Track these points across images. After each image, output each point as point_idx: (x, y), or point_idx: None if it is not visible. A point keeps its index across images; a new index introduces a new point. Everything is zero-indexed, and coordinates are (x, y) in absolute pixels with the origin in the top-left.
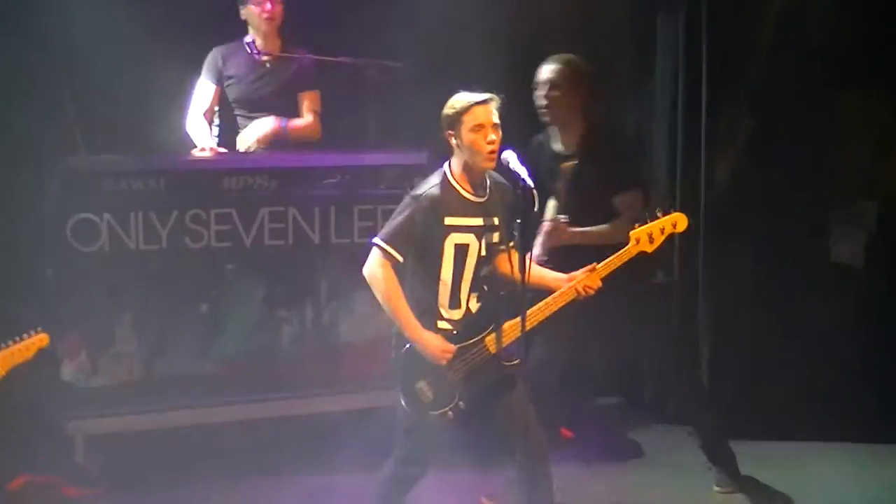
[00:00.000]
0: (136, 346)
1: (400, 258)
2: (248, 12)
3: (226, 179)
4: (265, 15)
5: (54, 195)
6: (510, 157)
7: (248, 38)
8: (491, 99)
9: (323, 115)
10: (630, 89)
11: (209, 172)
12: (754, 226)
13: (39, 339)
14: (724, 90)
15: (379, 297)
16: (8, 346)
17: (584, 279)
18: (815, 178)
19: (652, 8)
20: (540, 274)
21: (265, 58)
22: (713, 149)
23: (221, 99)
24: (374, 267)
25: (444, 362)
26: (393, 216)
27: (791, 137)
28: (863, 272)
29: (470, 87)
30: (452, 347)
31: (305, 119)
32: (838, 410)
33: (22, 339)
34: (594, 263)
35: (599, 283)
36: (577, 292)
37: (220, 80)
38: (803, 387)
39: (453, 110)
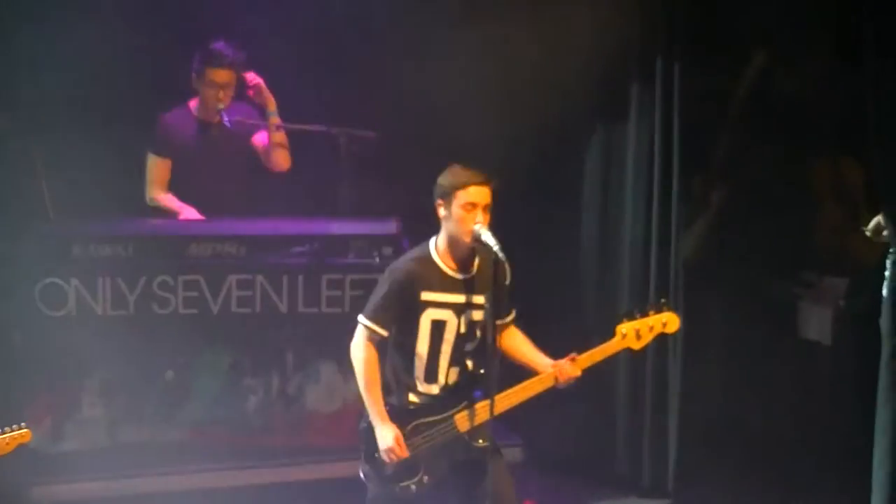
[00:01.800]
0: (103, 411)
1: (384, 333)
2: (200, 88)
3: (193, 246)
4: (218, 104)
5: (22, 259)
6: (482, 230)
7: (220, 109)
8: (489, 181)
9: (293, 183)
10: (601, 163)
11: (177, 238)
12: (725, 301)
13: (21, 435)
14: (695, 167)
15: (356, 374)
16: None
17: (567, 368)
18: (784, 253)
19: (624, 83)
20: (530, 355)
21: (228, 123)
22: (683, 224)
23: (175, 167)
24: (358, 345)
25: (388, 461)
26: (374, 291)
27: (760, 212)
28: (830, 348)
29: (460, 160)
30: (405, 453)
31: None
32: (795, 480)
33: (3, 432)
34: (574, 353)
35: (579, 373)
36: (557, 380)
37: (170, 150)
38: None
39: (449, 183)
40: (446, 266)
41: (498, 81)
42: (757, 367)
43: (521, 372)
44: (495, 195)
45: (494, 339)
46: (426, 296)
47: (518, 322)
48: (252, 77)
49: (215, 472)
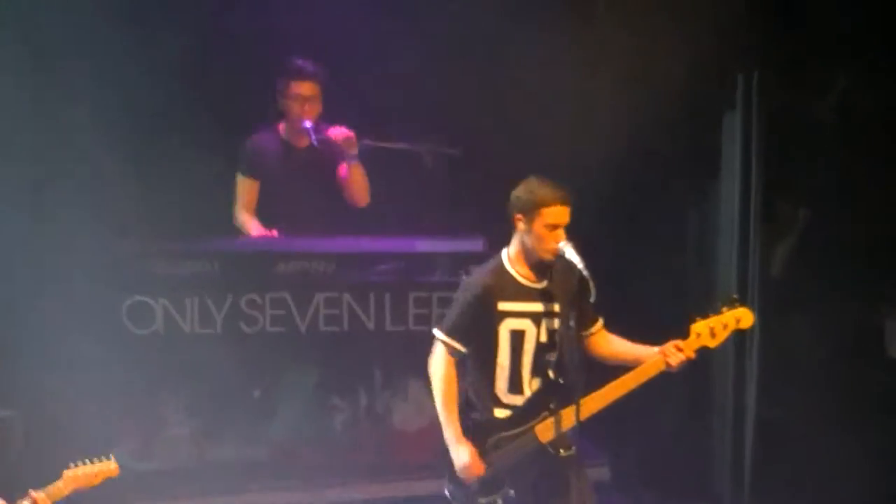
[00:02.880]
0: (189, 430)
1: (462, 349)
2: (285, 105)
3: (281, 264)
4: (304, 116)
5: (109, 277)
6: (566, 247)
7: (306, 124)
8: (570, 201)
9: (380, 200)
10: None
11: (264, 256)
12: (810, 320)
13: (110, 469)
14: (782, 187)
15: (434, 392)
16: (77, 466)
17: (675, 351)
18: (869, 272)
19: (707, 103)
20: (633, 351)
21: (315, 141)
22: (770, 244)
23: (263, 190)
24: (437, 363)
25: (466, 480)
26: (451, 306)
27: (845, 231)
28: None
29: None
30: (481, 469)
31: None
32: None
33: (93, 462)
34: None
35: (693, 355)
36: (668, 364)
37: (258, 173)
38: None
39: (534, 199)
40: (521, 276)
41: (584, 102)
42: (843, 389)
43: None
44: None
45: (579, 352)
46: (503, 306)
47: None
48: (341, 131)
49: (302, 490)
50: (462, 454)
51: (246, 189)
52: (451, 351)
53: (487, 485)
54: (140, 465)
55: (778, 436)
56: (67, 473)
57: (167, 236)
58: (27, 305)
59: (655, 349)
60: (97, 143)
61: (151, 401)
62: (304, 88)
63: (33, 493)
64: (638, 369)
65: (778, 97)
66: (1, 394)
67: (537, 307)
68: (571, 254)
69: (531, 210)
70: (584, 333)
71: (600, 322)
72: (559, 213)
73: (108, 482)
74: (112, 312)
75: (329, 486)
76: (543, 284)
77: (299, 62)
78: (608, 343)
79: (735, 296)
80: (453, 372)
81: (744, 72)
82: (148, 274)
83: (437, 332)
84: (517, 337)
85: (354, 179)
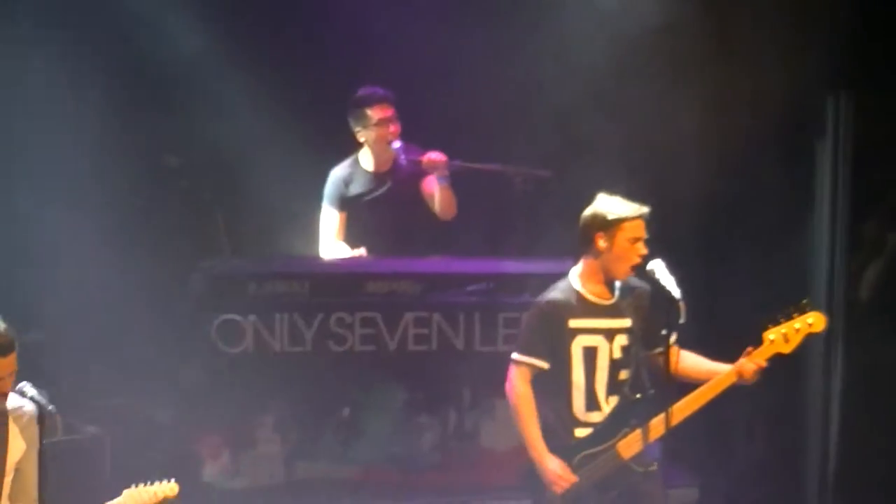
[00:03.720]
0: (278, 447)
1: (542, 364)
2: (369, 135)
3: (370, 283)
4: (390, 138)
5: (199, 296)
6: (657, 266)
7: (395, 144)
8: (646, 213)
9: (469, 221)
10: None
11: (354, 276)
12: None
13: (170, 489)
14: (871, 211)
15: (512, 413)
16: (137, 487)
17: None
18: None
19: (795, 126)
20: (707, 365)
21: (403, 160)
22: (859, 268)
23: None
24: (512, 383)
25: (558, 491)
26: (522, 329)
27: None
28: None
29: (620, 193)
30: (572, 478)
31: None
32: None
33: (152, 483)
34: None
35: (764, 363)
36: (740, 375)
37: (343, 203)
38: None
39: (611, 216)
40: (590, 293)
41: (673, 126)
42: None
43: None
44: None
45: (667, 370)
46: (574, 323)
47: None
48: (432, 154)
49: None
50: (552, 465)
51: (331, 221)
52: (527, 370)
53: None
54: (229, 482)
55: (864, 456)
56: (127, 492)
57: (257, 255)
58: (117, 323)
59: (728, 366)
60: (190, 164)
61: (240, 419)
62: (384, 112)
63: None
64: (711, 382)
65: (867, 120)
66: (89, 412)
67: (609, 323)
68: (662, 273)
69: (612, 226)
70: (655, 352)
71: (673, 339)
72: (638, 227)
73: (198, 500)
74: (202, 331)
75: None
76: (612, 301)
77: (369, 90)
78: (682, 359)
79: (805, 300)
80: (530, 391)
81: (833, 95)
82: (239, 293)
83: (514, 355)
84: (590, 354)
85: (443, 198)
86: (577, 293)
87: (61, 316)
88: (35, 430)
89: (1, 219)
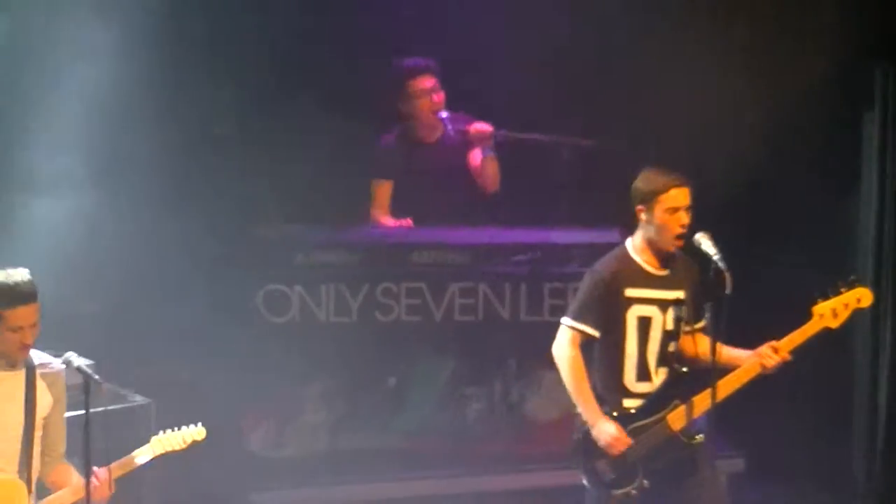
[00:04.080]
0: (324, 417)
1: (594, 332)
2: (413, 106)
3: (417, 254)
4: (435, 108)
5: (246, 265)
6: (702, 238)
7: (442, 114)
8: (688, 182)
9: (515, 192)
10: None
11: (400, 246)
12: None
13: (198, 433)
14: None
15: (564, 377)
16: (165, 433)
17: (770, 354)
18: None
19: (850, 106)
20: (727, 353)
21: (451, 130)
22: None
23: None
24: (563, 346)
25: (616, 453)
26: (577, 293)
27: None
28: None
29: (665, 165)
30: (628, 441)
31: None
32: None
33: (180, 429)
34: (773, 342)
35: (788, 356)
36: (764, 367)
37: (391, 172)
38: None
39: (650, 187)
40: (646, 263)
41: (719, 98)
42: None
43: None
44: (695, 197)
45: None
46: (630, 292)
47: None
48: (478, 125)
49: (435, 479)
50: (608, 427)
51: (380, 190)
52: (577, 336)
53: (621, 476)
54: (274, 452)
55: None
56: (155, 438)
57: (304, 225)
58: (162, 292)
59: (749, 353)
60: (238, 132)
61: (286, 388)
62: (426, 82)
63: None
64: (735, 373)
65: None
66: (136, 381)
67: (663, 294)
68: (708, 245)
69: (649, 199)
70: (691, 328)
71: (704, 322)
72: (677, 196)
73: (242, 469)
74: (249, 300)
75: (462, 476)
76: (667, 272)
77: (412, 60)
78: (703, 343)
79: (854, 276)
80: (578, 354)
81: (881, 66)
82: (285, 262)
83: (564, 319)
84: (644, 324)
85: (488, 170)
86: (635, 262)
87: (112, 286)
88: (62, 385)
89: (54, 190)
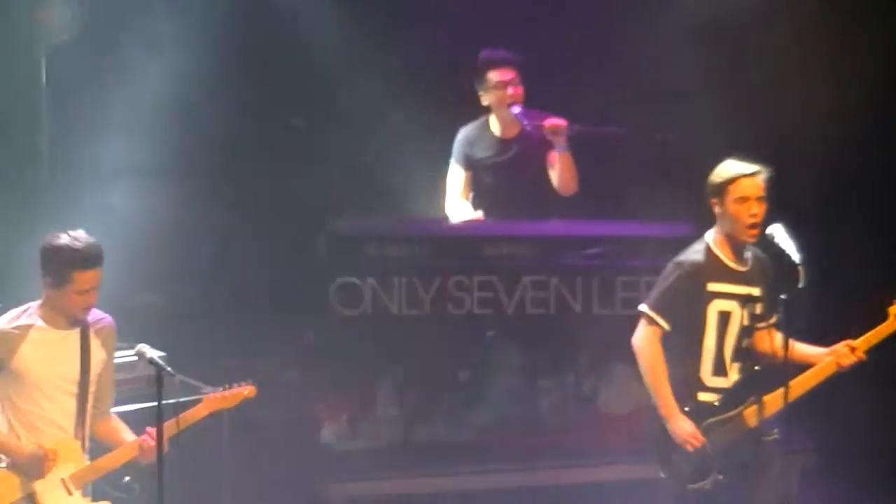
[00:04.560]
0: (397, 410)
1: (667, 327)
2: (490, 97)
3: (488, 247)
4: (509, 101)
5: (319, 258)
6: (776, 230)
7: (515, 109)
8: (759, 172)
9: (587, 185)
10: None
11: (472, 239)
12: None
13: (248, 390)
14: None
15: (642, 369)
16: (216, 391)
17: (846, 353)
18: None
19: None
20: (801, 350)
21: (528, 126)
22: None
23: (473, 179)
24: (642, 338)
25: (690, 449)
26: (657, 283)
27: None
28: None
29: (740, 157)
30: (702, 438)
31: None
32: None
33: (230, 387)
34: (850, 341)
35: (863, 356)
36: (840, 366)
37: (469, 163)
38: None
39: (720, 179)
40: (726, 258)
41: (794, 89)
42: None
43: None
44: (770, 187)
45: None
46: (713, 286)
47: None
48: (552, 120)
49: (507, 473)
50: (683, 424)
51: (457, 178)
52: (655, 327)
53: (698, 471)
54: (347, 444)
55: None
56: (206, 397)
57: (376, 218)
58: (236, 284)
59: (822, 350)
60: (315, 126)
61: (359, 382)
62: (504, 74)
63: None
64: (811, 371)
65: None
66: (208, 373)
67: (743, 290)
68: (782, 237)
69: (720, 190)
70: (765, 324)
71: (776, 318)
72: (746, 186)
73: (316, 461)
74: (322, 293)
75: (535, 469)
76: (746, 268)
77: (492, 51)
78: (777, 339)
79: None
80: (659, 347)
81: None
82: (357, 255)
83: (642, 307)
84: (724, 318)
85: (563, 167)
86: (716, 257)
87: (184, 277)
88: (113, 340)
89: (122, 183)
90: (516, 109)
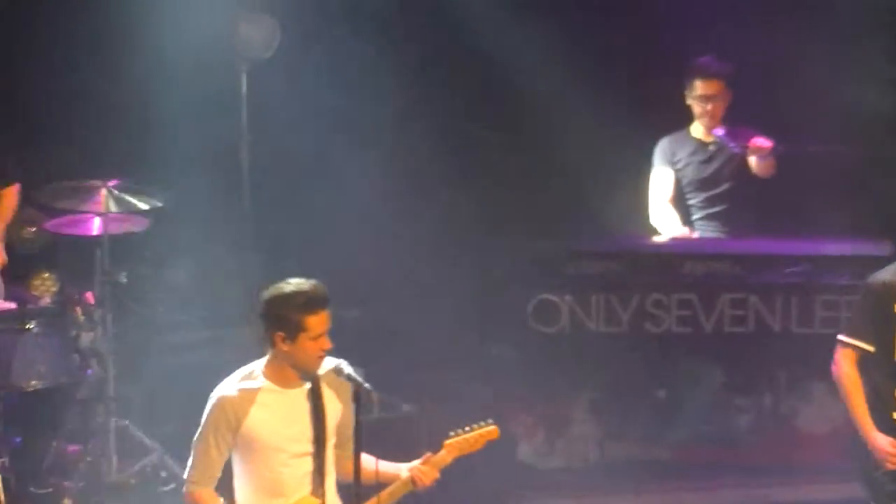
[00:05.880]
0: (593, 428)
1: (867, 346)
2: (694, 106)
3: (688, 264)
4: (706, 116)
5: (516, 276)
6: None
7: (718, 132)
8: None
9: (787, 202)
10: None
11: (671, 257)
12: None
13: (490, 432)
14: None
15: (841, 392)
16: (458, 435)
17: None
18: None
19: None
20: None
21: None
22: None
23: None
24: (837, 364)
25: (889, 466)
26: (853, 307)
27: None
28: None
29: None
30: None
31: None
32: None
33: (473, 430)
34: None
35: None
36: None
37: (673, 165)
38: None
39: None
40: None
41: None
42: None
43: None
44: None
45: None
46: None
47: None
48: (759, 141)
49: (704, 491)
50: (881, 441)
51: (662, 180)
52: (851, 351)
53: None
54: (543, 461)
55: None
56: (448, 443)
57: (574, 235)
58: (433, 300)
59: None
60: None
61: (555, 399)
62: (710, 87)
63: (413, 467)
64: None
65: None
66: (405, 389)
67: None
68: None
69: None
70: None
71: None
72: None
73: (512, 477)
74: (519, 309)
75: (732, 488)
76: None
77: (704, 60)
78: None
79: None
80: (854, 372)
81: None
82: (555, 272)
83: (840, 336)
84: None
85: (764, 168)
86: None
87: (383, 293)
88: (348, 387)
89: (321, 203)
90: (720, 132)
